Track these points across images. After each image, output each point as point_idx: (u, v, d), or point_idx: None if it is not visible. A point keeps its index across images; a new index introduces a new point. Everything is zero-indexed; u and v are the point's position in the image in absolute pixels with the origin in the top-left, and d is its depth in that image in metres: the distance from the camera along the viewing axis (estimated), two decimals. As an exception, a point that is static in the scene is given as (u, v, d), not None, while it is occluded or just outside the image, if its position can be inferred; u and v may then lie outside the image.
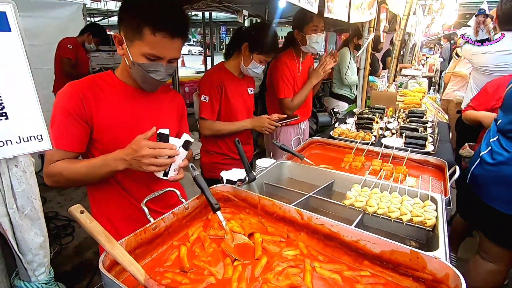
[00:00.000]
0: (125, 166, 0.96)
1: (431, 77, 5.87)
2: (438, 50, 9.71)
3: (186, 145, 1.02)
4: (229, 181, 1.24)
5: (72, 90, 1.02)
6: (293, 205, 0.97)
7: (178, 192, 0.93)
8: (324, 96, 5.80)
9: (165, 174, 1.00)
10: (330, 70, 2.12)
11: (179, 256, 0.84)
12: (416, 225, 0.99)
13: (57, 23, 4.27)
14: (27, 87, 0.51)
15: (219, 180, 1.26)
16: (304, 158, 1.50)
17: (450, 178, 1.37)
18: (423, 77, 5.39)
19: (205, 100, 1.72)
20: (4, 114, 0.50)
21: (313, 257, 0.88)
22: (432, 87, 5.17)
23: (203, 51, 9.22)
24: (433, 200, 1.08)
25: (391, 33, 5.38)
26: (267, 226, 0.98)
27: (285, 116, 1.83)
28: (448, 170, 1.45)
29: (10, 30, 0.47)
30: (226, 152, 1.84)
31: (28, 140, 0.53)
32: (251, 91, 1.90)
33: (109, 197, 1.14)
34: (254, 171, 1.36)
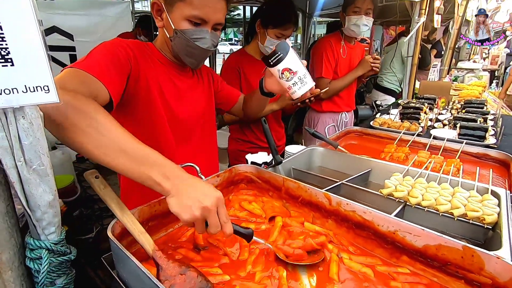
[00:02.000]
0: (170, 190, 0.63)
1: (494, 70, 5.19)
2: (503, 42, 8.59)
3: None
4: (254, 164, 1.17)
5: (123, 42, 0.93)
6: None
7: (197, 168, 0.89)
8: (366, 92, 5.45)
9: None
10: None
11: (195, 233, 0.80)
12: (471, 221, 0.83)
13: (108, 21, 4.60)
14: (33, 35, 0.50)
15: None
16: (339, 147, 1.38)
17: (516, 175, 1.15)
18: (484, 70, 4.78)
19: None
20: (10, 60, 0.48)
21: (343, 246, 0.78)
22: (495, 81, 4.57)
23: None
24: (495, 195, 0.90)
25: (443, 24, 4.85)
26: (290, 211, 0.90)
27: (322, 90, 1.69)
28: (515, 166, 1.22)
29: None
30: (252, 139, 1.77)
31: (34, 90, 0.51)
32: None
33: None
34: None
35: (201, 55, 0.99)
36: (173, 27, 0.93)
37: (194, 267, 0.64)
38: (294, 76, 0.88)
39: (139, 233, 0.66)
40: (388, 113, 2.14)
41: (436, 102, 2.16)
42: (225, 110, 1.33)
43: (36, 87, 0.51)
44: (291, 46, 0.89)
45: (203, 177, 0.89)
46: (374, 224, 0.74)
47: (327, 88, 1.84)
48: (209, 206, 0.62)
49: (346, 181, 1.06)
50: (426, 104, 1.97)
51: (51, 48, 3.48)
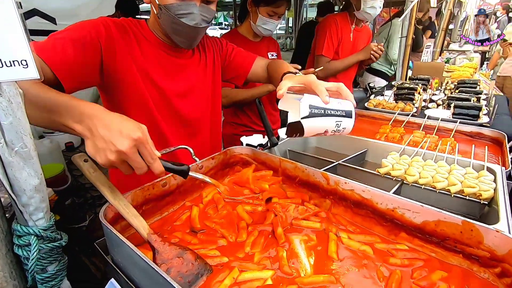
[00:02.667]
0: (83, 133, 0.58)
1: (485, 51, 5.20)
2: (494, 23, 8.59)
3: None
4: (249, 146, 1.15)
5: (102, 20, 0.85)
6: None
7: (191, 150, 0.86)
8: (358, 75, 5.42)
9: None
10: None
11: (191, 216, 0.78)
12: (467, 198, 0.83)
13: (92, 3, 4.38)
14: (7, 6, 0.45)
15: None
16: (334, 128, 1.36)
17: (510, 152, 1.16)
18: (475, 51, 4.79)
19: None
20: (-19, 32, 0.43)
21: (342, 226, 0.77)
22: (486, 62, 4.58)
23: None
24: (491, 171, 0.91)
25: (437, 5, 4.79)
26: (287, 192, 0.88)
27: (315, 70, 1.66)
28: (508, 143, 1.23)
29: None
30: (247, 123, 1.74)
31: (11, 65, 0.47)
32: (273, 55, 1.75)
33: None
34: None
35: (190, 33, 0.89)
36: (157, 2, 0.84)
37: (191, 250, 0.62)
38: (326, 134, 0.77)
39: (133, 217, 0.63)
40: (382, 95, 2.13)
41: (429, 83, 2.15)
42: (240, 84, 1.21)
43: (13, 61, 0.47)
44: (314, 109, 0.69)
45: (197, 159, 0.87)
46: (372, 202, 0.74)
47: (322, 67, 1.80)
48: (125, 150, 0.55)
49: (342, 162, 1.05)
50: (420, 85, 1.96)
51: (32, 32, 3.28)
